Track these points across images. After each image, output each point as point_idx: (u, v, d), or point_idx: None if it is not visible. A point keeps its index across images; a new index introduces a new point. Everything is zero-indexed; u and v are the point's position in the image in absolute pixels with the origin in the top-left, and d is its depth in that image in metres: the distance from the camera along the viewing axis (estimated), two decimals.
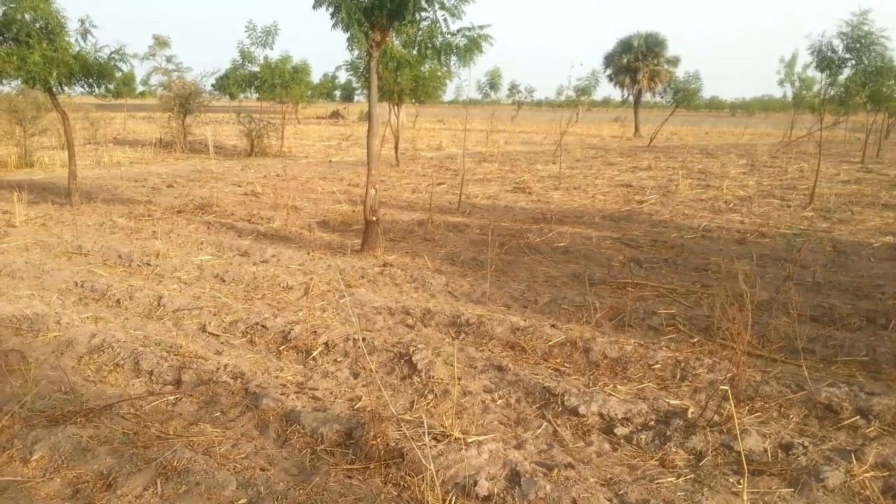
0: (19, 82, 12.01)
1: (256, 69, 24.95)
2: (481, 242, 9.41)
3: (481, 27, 8.13)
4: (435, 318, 6.22)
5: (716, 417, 4.26)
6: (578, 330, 5.93)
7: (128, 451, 3.81)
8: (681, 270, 8.19)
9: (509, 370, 5.04)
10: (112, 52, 12.15)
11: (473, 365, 5.18)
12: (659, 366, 5.19)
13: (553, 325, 6.03)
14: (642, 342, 5.66)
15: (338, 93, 74.26)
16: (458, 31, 8.16)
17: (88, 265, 8.18)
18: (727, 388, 4.03)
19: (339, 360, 5.38)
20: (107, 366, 5.19)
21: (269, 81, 24.89)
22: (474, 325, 5.99)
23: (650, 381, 4.99)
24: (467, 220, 11.16)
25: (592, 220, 11.41)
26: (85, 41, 11.92)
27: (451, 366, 5.04)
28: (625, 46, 41.26)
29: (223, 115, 42.70)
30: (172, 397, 4.59)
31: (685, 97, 33.47)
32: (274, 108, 29.99)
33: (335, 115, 60.80)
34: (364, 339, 5.51)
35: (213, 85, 29.45)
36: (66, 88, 12.42)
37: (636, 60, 40.78)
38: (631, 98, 43.30)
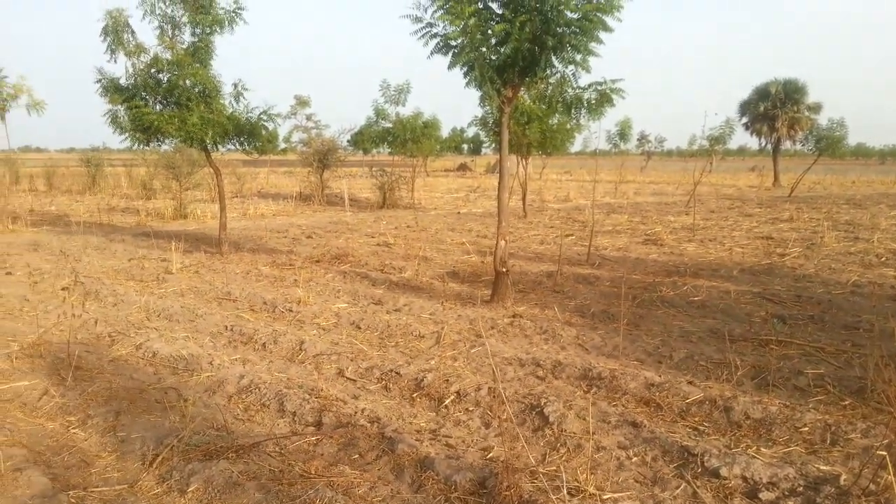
0: (177, 141, 13.11)
1: (389, 125, 26.10)
2: (612, 295, 9.27)
3: (613, 81, 8.16)
4: (566, 371, 6.18)
5: (871, 486, 3.95)
6: (718, 388, 5.71)
7: (274, 488, 4.02)
8: (829, 328, 7.71)
9: (644, 427, 4.91)
10: (261, 113, 13.11)
11: (606, 420, 5.09)
12: (807, 429, 4.89)
13: (690, 382, 5.84)
14: (788, 403, 5.36)
15: (465, 146, 76.08)
16: (589, 85, 8.24)
17: (237, 310, 8.73)
18: (884, 454, 3.75)
19: (470, 409, 5.44)
20: (254, 405, 5.51)
21: (400, 137, 25.96)
22: (606, 380, 5.90)
23: (797, 445, 4.71)
24: (597, 273, 11.04)
25: (730, 273, 10.97)
26: (237, 103, 12.97)
27: (584, 419, 4.98)
28: (762, 94, 39.84)
29: (357, 168, 44.69)
30: (314, 438, 4.81)
31: (829, 145, 31.83)
32: (404, 162, 31.11)
33: (463, 167, 62.17)
34: (495, 390, 5.55)
35: (348, 141, 31.05)
36: (219, 146, 13.48)
37: (774, 108, 39.21)
38: (769, 146, 41.55)
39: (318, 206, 24.85)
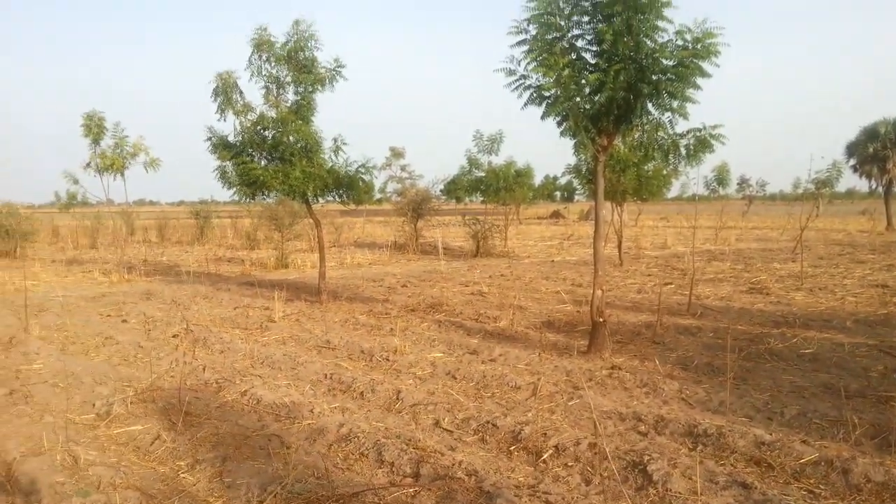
0: (279, 194, 13.66)
1: (482, 174, 26.39)
2: (715, 347, 8.93)
3: (713, 127, 8.01)
4: (669, 427, 5.96)
5: None
6: (834, 448, 5.36)
7: None
8: None
9: (755, 488, 4.65)
10: (359, 166, 13.54)
11: (714, 480, 4.85)
12: None
13: (804, 441, 5.51)
14: None
15: (558, 193, 75.95)
16: (687, 131, 8.11)
17: (335, 359, 8.92)
18: None
19: (569, 464, 5.31)
20: (353, 454, 5.58)
21: (493, 185, 26.18)
22: (713, 437, 5.64)
23: None
24: (699, 323, 10.66)
25: (843, 324, 10.37)
26: (337, 157, 13.45)
27: (691, 479, 4.77)
28: (870, 134, 37.94)
29: (450, 217, 45.24)
30: (412, 489, 4.80)
31: None
32: (497, 210, 31.27)
33: (556, 214, 61.93)
34: (595, 445, 5.40)
35: (441, 190, 31.62)
36: (319, 198, 13.97)
37: (884, 149, 37.21)
38: (880, 189, 39.38)
39: (413, 255, 25.24)
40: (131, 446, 5.91)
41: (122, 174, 18.48)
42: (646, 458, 5.15)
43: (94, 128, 17.99)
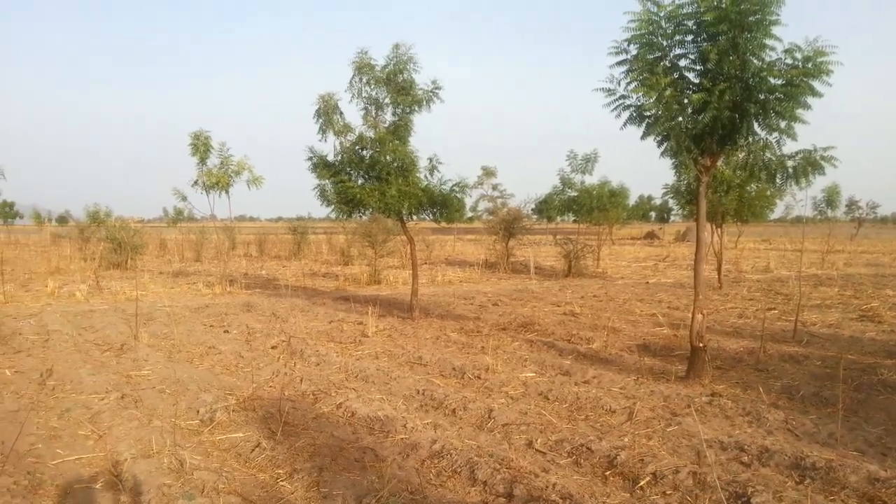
0: (374, 211, 13.92)
1: (575, 194, 26.11)
2: (823, 376, 8.49)
3: (824, 149, 7.66)
4: (774, 458, 5.69)
5: None
6: None
7: None
8: None
9: None
10: (453, 185, 13.67)
11: None
12: None
13: None
14: None
15: (652, 213, 74.32)
16: (797, 152, 7.79)
17: (427, 375, 8.99)
18: None
19: (668, 492, 5.16)
20: (446, 471, 5.60)
21: (587, 206, 25.84)
22: (822, 471, 5.36)
23: None
24: (805, 351, 10.16)
25: None
26: (432, 176, 13.63)
27: None
28: None
29: (541, 237, 44.99)
30: None
31: None
32: (590, 230, 30.85)
33: (650, 235, 60.55)
34: (696, 474, 5.22)
35: (532, 209, 31.49)
36: (413, 216, 14.18)
37: None
38: None
39: (504, 274, 25.19)
40: (233, 452, 6.13)
41: (227, 191, 19.24)
42: (749, 489, 4.94)
43: (200, 147, 18.80)
